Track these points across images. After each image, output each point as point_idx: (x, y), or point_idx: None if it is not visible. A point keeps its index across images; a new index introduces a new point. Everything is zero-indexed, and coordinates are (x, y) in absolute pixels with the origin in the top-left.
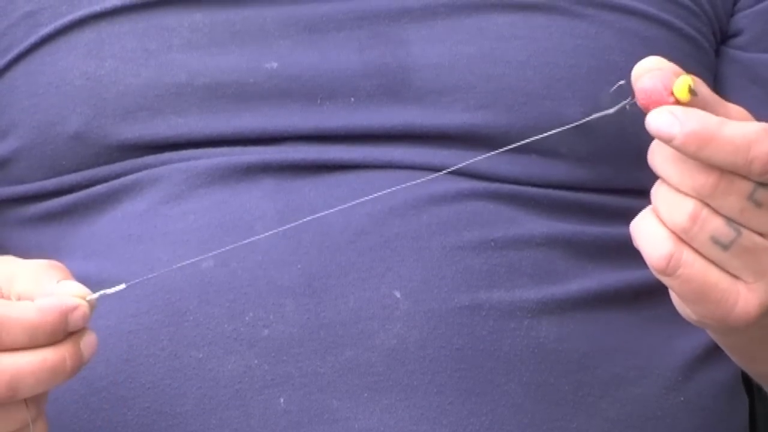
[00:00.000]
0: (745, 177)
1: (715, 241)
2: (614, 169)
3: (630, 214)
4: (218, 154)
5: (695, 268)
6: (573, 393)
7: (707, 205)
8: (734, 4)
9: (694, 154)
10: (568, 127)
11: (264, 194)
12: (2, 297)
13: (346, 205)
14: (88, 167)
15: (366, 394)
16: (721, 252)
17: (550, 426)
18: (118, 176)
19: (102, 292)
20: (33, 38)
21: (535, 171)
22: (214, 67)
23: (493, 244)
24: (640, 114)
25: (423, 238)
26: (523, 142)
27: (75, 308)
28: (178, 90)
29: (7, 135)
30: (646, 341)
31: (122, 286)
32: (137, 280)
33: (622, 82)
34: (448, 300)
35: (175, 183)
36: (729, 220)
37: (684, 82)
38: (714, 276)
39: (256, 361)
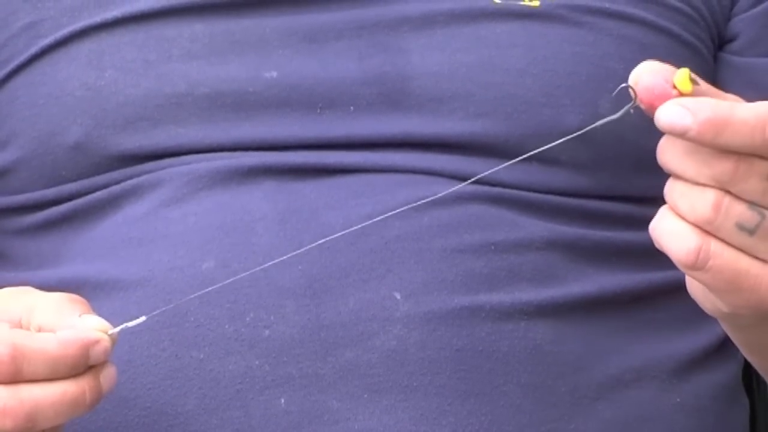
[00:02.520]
0: (763, 157)
1: (741, 227)
2: (614, 177)
3: (631, 221)
4: (219, 158)
5: (725, 257)
6: (570, 394)
7: (728, 192)
8: (731, 8)
9: (711, 142)
10: (580, 133)
11: (264, 196)
12: (21, 328)
13: (372, 220)
14: (88, 177)
15: (366, 395)
16: (748, 238)
17: (548, 427)
18: (118, 182)
19: (123, 325)
20: (33, 49)
21: (535, 178)
22: (213, 77)
23: (493, 247)
24: (639, 121)
25: (423, 240)
26: (540, 149)
27: (96, 342)
28: (178, 100)
29: (7, 145)
30: (642, 344)
31: (143, 318)
32: (157, 312)
33: (624, 84)
34: (448, 302)
35: (176, 186)
36: (751, 204)
37: (684, 73)
38: (745, 263)
39: (256, 362)
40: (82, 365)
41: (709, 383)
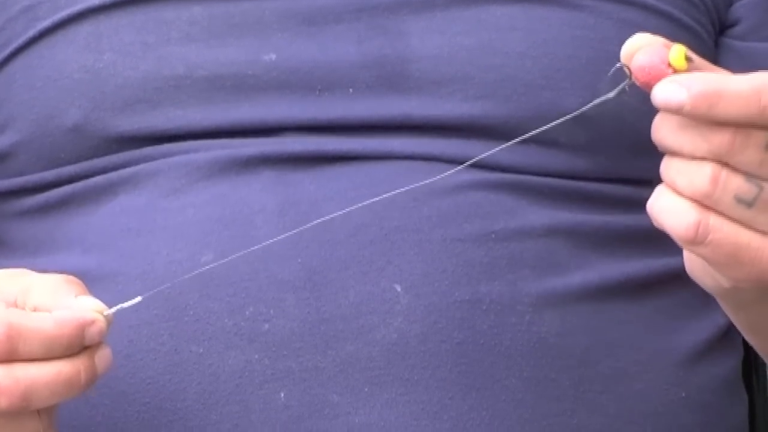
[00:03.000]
0: (760, 128)
1: (739, 200)
2: (613, 159)
3: (630, 204)
4: (217, 146)
5: (724, 231)
6: (574, 388)
7: (725, 165)
8: None
9: (706, 114)
10: (577, 113)
11: (264, 187)
12: (16, 308)
13: (365, 203)
14: (87, 159)
15: (366, 389)
16: (746, 210)
17: (550, 421)
18: (116, 168)
19: (119, 306)
20: (31, 32)
21: (534, 161)
22: (212, 60)
23: (494, 235)
24: (637, 102)
25: (423, 230)
26: (536, 131)
27: (92, 322)
28: (177, 82)
29: (5, 129)
30: (648, 335)
31: (138, 299)
32: (152, 292)
33: (619, 64)
34: (449, 294)
35: (175, 176)
36: (749, 176)
37: (679, 51)
38: (745, 236)
39: (256, 356)
40: (78, 345)
41: (711, 376)
